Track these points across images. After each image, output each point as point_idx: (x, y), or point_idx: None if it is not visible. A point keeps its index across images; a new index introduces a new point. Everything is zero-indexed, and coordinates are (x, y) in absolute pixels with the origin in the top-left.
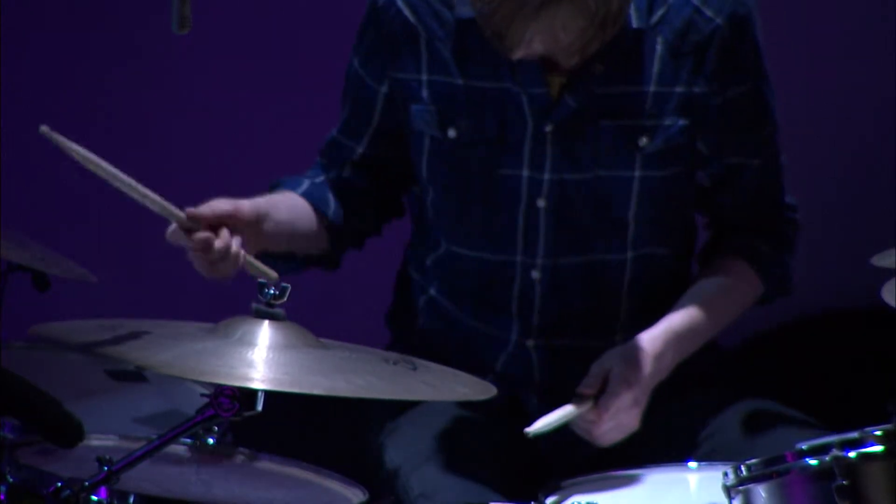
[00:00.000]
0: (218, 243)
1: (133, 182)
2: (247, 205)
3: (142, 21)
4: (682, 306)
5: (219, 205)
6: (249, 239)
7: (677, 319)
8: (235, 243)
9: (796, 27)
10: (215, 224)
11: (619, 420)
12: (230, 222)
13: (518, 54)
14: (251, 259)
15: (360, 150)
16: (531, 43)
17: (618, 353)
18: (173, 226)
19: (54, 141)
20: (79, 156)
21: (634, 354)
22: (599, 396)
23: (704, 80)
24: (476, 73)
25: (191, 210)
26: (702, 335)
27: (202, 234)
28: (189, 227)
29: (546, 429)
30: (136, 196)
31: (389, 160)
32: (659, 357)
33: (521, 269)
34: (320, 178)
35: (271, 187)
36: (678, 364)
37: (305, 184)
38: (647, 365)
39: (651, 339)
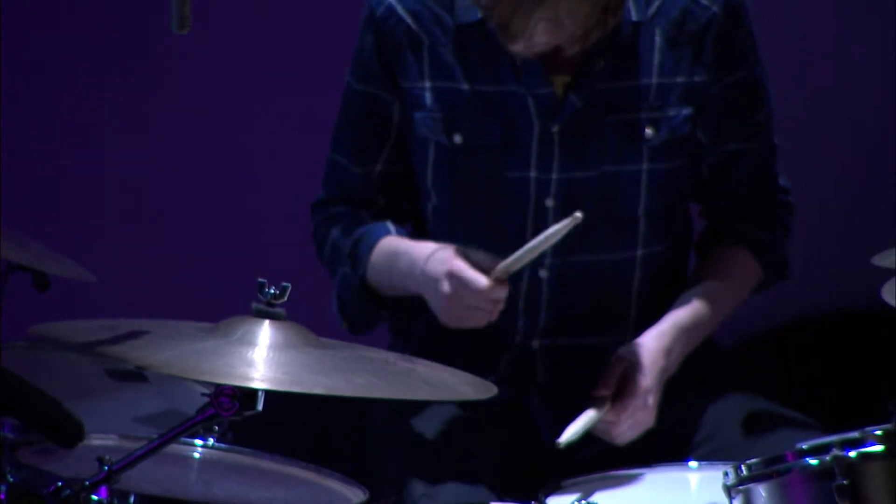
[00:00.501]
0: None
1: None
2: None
3: (142, 21)
4: (686, 299)
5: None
6: None
7: (682, 313)
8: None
9: (795, 25)
10: None
11: (636, 419)
12: None
13: (521, 46)
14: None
15: (378, 168)
16: (535, 33)
17: (628, 353)
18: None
19: None
20: None
21: (644, 352)
22: (615, 396)
23: (704, 69)
24: (479, 78)
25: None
26: (706, 327)
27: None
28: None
29: (575, 437)
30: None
31: (400, 173)
32: (667, 352)
33: (529, 269)
34: (373, 215)
35: (365, 242)
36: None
37: (391, 226)
38: (658, 361)
39: (659, 334)
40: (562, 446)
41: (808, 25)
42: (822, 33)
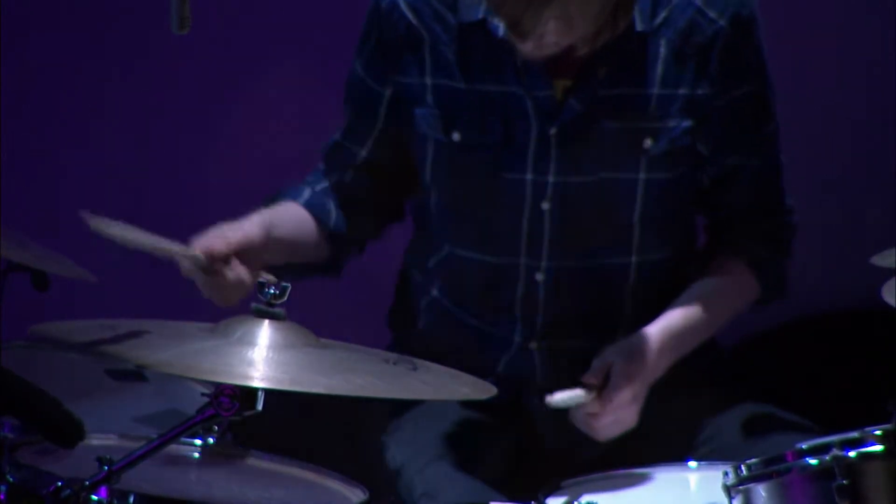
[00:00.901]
0: (231, 276)
1: (154, 240)
2: (255, 229)
3: (142, 21)
4: (681, 305)
5: (230, 235)
6: (255, 257)
7: (675, 318)
8: (245, 273)
9: (795, 25)
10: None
11: (619, 415)
12: (240, 250)
13: (530, 45)
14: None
15: (363, 153)
16: (545, 32)
17: (619, 349)
18: (187, 262)
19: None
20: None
21: (635, 351)
22: (602, 389)
23: (708, 82)
24: (480, 77)
25: (207, 249)
26: (698, 335)
27: (219, 274)
28: (206, 265)
29: (563, 404)
30: (158, 252)
31: (392, 164)
32: (658, 354)
33: (525, 272)
34: (322, 185)
35: (273, 196)
36: (677, 363)
37: (306, 193)
38: (648, 361)
39: (651, 335)
40: (552, 406)
41: (808, 25)
42: (822, 33)
